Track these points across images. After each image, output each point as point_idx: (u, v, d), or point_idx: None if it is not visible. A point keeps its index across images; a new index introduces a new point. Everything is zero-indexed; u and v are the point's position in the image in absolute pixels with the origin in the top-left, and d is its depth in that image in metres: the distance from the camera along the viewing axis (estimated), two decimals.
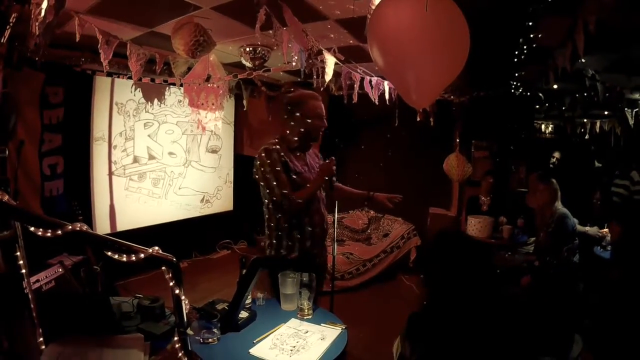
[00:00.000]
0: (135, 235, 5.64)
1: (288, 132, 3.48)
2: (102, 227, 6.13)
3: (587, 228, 5.78)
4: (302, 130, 3.44)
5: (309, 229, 3.48)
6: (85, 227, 1.66)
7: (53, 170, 5.29)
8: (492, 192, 6.57)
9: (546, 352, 2.84)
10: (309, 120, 3.43)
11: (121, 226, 6.38)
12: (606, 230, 5.64)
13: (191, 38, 3.68)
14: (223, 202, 8.34)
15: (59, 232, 1.60)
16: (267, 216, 3.54)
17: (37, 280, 4.09)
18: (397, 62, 2.32)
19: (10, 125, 4.63)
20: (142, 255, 1.75)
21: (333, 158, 3.41)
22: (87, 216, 5.77)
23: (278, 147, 3.42)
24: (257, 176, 3.40)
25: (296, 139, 3.48)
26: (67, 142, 5.46)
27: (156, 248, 1.82)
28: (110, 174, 6.27)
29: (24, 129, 4.90)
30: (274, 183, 3.28)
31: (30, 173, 5.03)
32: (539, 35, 4.11)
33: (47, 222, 1.61)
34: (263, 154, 3.37)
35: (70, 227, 1.61)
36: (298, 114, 3.43)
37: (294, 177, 3.36)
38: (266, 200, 3.47)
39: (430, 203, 7.56)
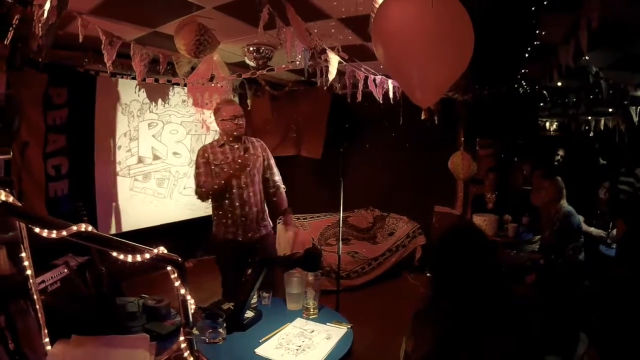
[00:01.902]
0: (140, 236, 5.63)
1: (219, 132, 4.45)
2: (107, 227, 6.13)
3: (592, 229, 5.77)
4: (221, 129, 4.34)
5: (237, 215, 4.22)
6: (90, 228, 1.66)
7: (57, 171, 5.29)
8: (496, 189, 6.55)
9: (552, 350, 2.83)
10: (224, 121, 4.26)
11: (126, 226, 6.37)
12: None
13: (193, 38, 3.67)
14: None
15: (64, 232, 1.60)
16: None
17: (43, 281, 4.11)
18: (401, 59, 2.32)
19: (14, 127, 4.64)
20: (147, 256, 1.75)
21: (245, 156, 4.20)
22: (92, 217, 5.76)
23: (208, 145, 4.37)
24: None
25: (221, 136, 4.41)
26: (71, 143, 5.45)
27: (161, 248, 1.82)
28: (115, 174, 6.27)
29: (27, 130, 4.91)
30: (195, 177, 4.24)
31: (34, 174, 5.03)
32: (542, 33, 4.10)
33: (52, 223, 1.61)
34: (197, 154, 4.33)
35: (75, 228, 1.61)
36: (218, 118, 4.32)
37: (213, 167, 4.20)
38: None
39: (435, 201, 7.53)
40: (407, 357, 2.06)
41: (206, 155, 4.24)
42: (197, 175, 4.20)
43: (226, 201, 4.22)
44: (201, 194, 4.19)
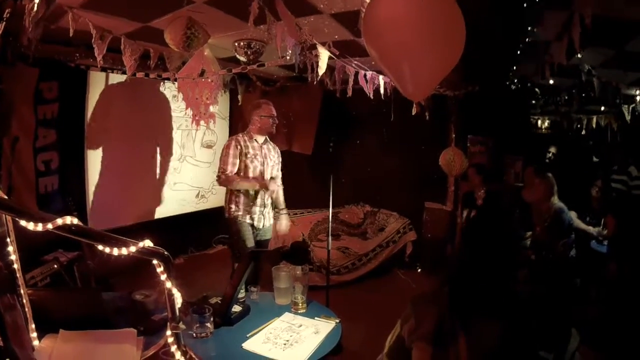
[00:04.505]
0: (130, 231, 5.63)
1: (251, 126, 4.76)
2: (97, 222, 6.09)
3: (590, 228, 5.79)
4: (260, 125, 4.69)
5: (246, 198, 4.67)
6: (75, 221, 1.65)
7: (47, 166, 5.26)
8: (485, 185, 6.52)
9: (544, 347, 2.84)
10: (264, 117, 4.66)
11: (117, 222, 6.32)
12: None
13: (181, 32, 3.66)
14: (218, 197, 8.20)
15: (49, 225, 1.58)
16: None
17: (33, 277, 4.10)
18: (393, 54, 2.32)
19: (4, 122, 4.62)
20: (132, 249, 1.74)
21: (273, 189, 4.68)
22: (82, 212, 5.74)
23: (239, 137, 4.71)
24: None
25: (252, 132, 4.74)
26: (61, 138, 5.42)
27: (147, 241, 1.81)
28: (106, 169, 6.22)
29: (18, 125, 4.88)
30: (221, 161, 4.59)
31: (24, 169, 5.00)
32: (535, 30, 4.11)
33: (37, 215, 1.60)
34: (228, 140, 4.72)
35: (60, 221, 1.60)
36: (259, 114, 4.67)
37: (245, 157, 4.60)
38: None
39: (426, 197, 7.54)
40: (400, 340, 2.06)
41: (239, 146, 4.61)
42: (224, 163, 4.56)
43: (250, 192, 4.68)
44: (224, 182, 4.59)
